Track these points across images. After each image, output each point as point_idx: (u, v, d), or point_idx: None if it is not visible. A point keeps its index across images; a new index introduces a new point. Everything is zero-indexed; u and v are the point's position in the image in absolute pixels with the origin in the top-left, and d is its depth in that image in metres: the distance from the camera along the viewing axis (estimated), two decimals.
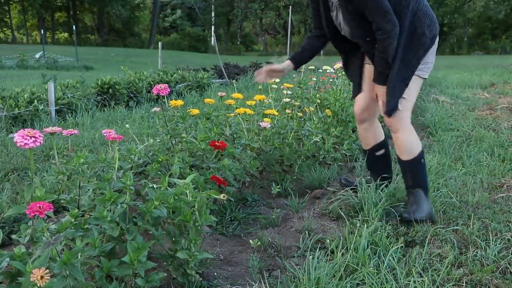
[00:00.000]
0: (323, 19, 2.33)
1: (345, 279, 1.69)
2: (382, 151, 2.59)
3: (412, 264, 1.85)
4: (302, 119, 3.63)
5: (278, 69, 2.46)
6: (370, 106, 2.46)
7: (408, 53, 2.16)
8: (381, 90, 2.23)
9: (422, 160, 2.33)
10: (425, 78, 2.31)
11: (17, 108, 4.68)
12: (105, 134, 1.84)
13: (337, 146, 3.46)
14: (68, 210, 1.63)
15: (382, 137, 2.59)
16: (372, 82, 2.27)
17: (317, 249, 1.94)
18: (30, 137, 1.34)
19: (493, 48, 33.15)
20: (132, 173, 1.94)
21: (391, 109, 2.22)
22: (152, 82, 6.78)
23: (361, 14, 2.10)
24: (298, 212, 2.52)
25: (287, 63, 2.47)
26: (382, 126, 2.64)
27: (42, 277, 1.13)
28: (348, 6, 2.11)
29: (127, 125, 3.32)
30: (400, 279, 1.72)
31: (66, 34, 41.59)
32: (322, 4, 2.29)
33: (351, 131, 3.79)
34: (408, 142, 2.29)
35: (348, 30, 2.23)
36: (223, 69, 9.67)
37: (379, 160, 2.61)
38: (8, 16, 38.51)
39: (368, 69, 2.40)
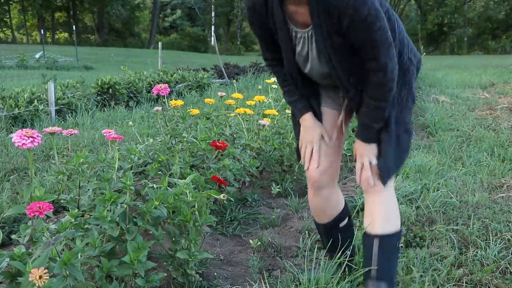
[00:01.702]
0: (286, 52, 1.56)
1: (345, 279, 1.69)
2: (346, 221, 1.80)
3: (412, 264, 1.85)
4: None
5: (323, 133, 1.65)
6: (334, 164, 1.69)
7: (402, 90, 1.57)
8: (369, 150, 1.55)
9: (399, 242, 1.64)
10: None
11: (17, 108, 4.68)
12: (105, 134, 1.85)
13: None
14: (68, 210, 1.63)
15: (343, 202, 1.80)
16: (356, 138, 1.60)
17: (317, 249, 1.94)
18: (28, 137, 1.33)
19: (493, 48, 33.18)
20: (132, 173, 1.94)
21: (390, 174, 1.59)
22: (152, 82, 6.78)
23: (350, 49, 1.45)
24: (298, 212, 2.52)
25: (308, 118, 1.65)
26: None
27: (40, 277, 1.13)
28: (333, 38, 1.42)
29: (130, 123, 3.31)
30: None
31: (66, 34, 41.64)
32: (282, 33, 1.51)
33: (351, 131, 3.79)
34: (388, 210, 1.61)
35: (320, 69, 1.54)
36: (223, 69, 9.67)
37: (345, 234, 1.79)
38: (8, 16, 38.53)
39: (331, 113, 1.68)
